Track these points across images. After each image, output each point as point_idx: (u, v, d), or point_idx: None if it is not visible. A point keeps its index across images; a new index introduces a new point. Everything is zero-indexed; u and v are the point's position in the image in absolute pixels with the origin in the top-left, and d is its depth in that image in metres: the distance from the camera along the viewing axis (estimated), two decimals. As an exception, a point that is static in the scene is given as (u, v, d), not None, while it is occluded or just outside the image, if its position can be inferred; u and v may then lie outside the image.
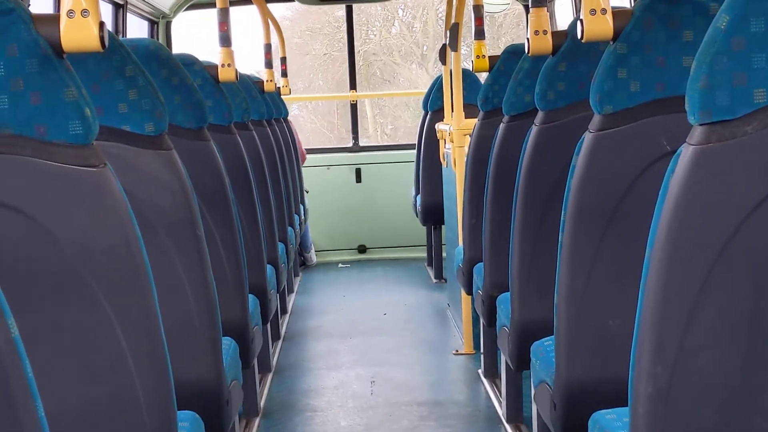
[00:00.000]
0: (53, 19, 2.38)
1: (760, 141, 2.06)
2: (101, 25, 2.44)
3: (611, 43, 3.04)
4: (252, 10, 8.75)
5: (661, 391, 2.21)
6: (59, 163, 2.37)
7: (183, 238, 3.31)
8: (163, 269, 3.18)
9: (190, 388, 3.24)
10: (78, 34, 2.40)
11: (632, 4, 3.83)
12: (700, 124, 2.10)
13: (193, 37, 13.34)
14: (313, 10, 20.96)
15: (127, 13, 7.79)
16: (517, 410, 4.89)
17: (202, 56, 5.08)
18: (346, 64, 11.07)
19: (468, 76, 8.51)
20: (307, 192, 9.97)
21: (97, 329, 2.44)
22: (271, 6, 9.23)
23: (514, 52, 5.31)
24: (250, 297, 4.54)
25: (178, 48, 9.47)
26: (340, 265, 10.41)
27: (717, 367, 2.18)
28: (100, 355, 2.47)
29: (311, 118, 22.22)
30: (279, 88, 9.22)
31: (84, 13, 2.41)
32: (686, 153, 2.12)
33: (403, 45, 21.94)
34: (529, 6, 4.29)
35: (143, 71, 3.14)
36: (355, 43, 10.84)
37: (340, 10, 21.40)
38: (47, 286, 2.40)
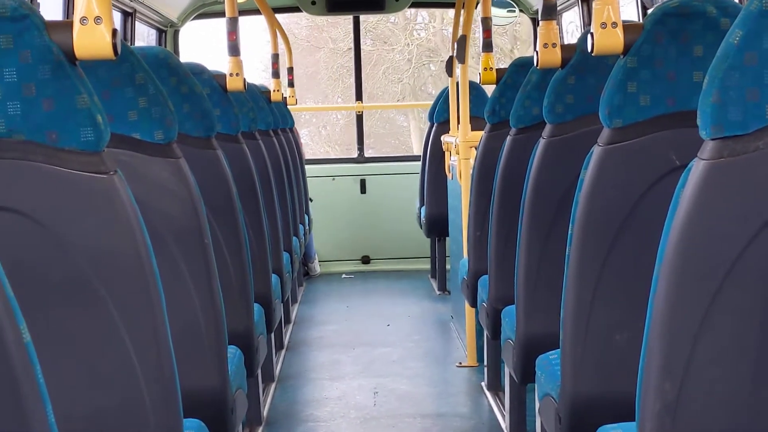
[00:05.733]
0: (66, 26, 2.38)
1: (772, 157, 2.06)
2: (114, 32, 2.43)
3: (621, 56, 3.04)
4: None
5: (669, 406, 2.21)
6: (70, 170, 2.38)
7: (190, 246, 3.31)
8: (170, 277, 3.18)
9: (195, 396, 3.24)
10: (91, 41, 2.40)
11: (642, 19, 3.83)
12: (712, 139, 2.09)
13: (202, 46, 13.39)
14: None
15: (136, 21, 7.80)
16: (520, 423, 4.88)
17: (211, 66, 5.08)
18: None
19: (474, 89, 8.51)
20: (311, 200, 9.96)
21: (105, 336, 2.44)
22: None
23: (522, 65, 5.31)
24: (256, 306, 4.53)
25: (185, 57, 9.47)
26: (343, 275, 10.40)
27: (725, 383, 2.17)
28: (107, 361, 2.47)
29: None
30: (285, 98, 9.23)
31: (97, 20, 2.40)
32: (697, 167, 2.12)
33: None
34: (539, 19, 4.30)
35: (153, 79, 3.14)
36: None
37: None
38: (56, 291, 2.40)
